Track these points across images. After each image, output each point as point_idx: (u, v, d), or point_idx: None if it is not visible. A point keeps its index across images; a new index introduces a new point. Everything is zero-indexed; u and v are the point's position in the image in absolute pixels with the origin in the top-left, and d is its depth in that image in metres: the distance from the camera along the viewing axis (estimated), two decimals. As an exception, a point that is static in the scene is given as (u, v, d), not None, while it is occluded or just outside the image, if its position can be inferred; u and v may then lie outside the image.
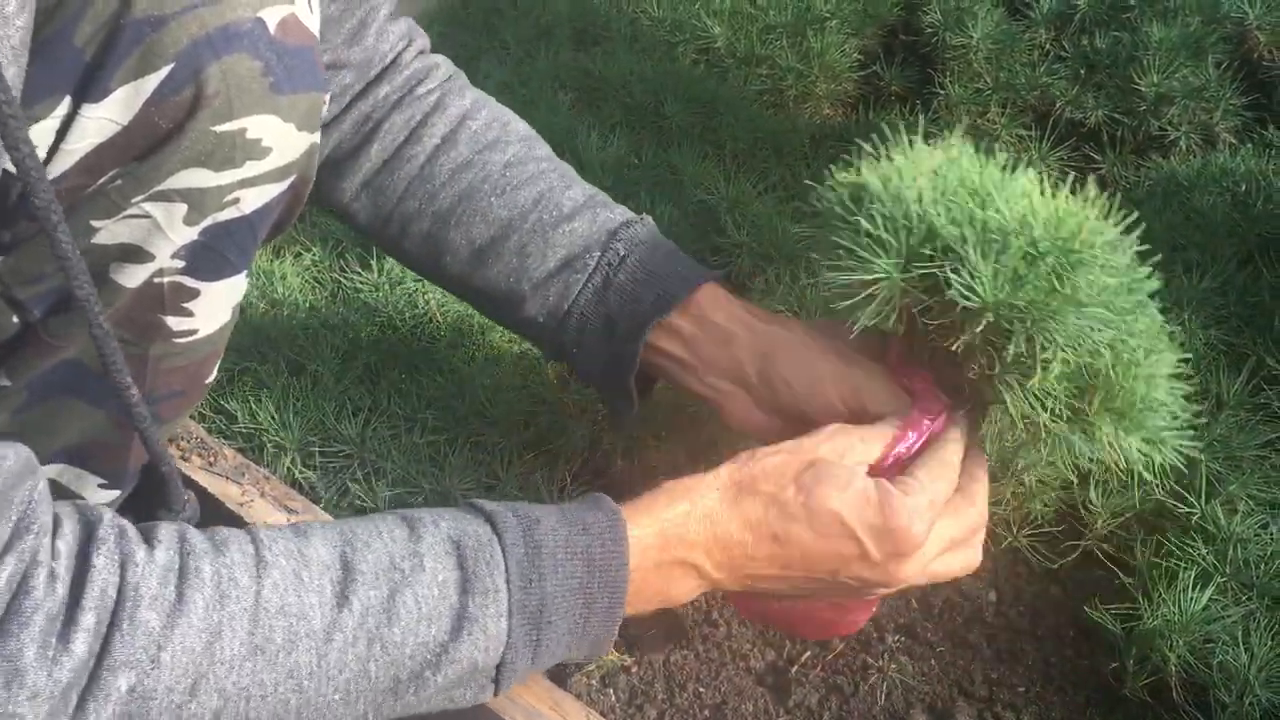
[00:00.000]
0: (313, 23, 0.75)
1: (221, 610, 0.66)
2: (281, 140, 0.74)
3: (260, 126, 0.72)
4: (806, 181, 0.83)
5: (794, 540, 0.76)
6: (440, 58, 1.04)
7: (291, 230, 1.49)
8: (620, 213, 0.97)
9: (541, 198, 0.95)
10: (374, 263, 1.38)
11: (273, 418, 1.18)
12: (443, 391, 1.24)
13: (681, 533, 0.76)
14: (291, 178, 0.79)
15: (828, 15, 1.80)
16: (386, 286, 1.35)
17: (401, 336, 1.30)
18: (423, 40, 1.03)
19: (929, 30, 1.80)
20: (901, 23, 1.87)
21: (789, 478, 0.76)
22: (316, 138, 0.79)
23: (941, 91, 1.74)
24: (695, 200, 1.52)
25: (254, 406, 1.20)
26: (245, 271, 0.82)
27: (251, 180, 0.75)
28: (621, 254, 0.93)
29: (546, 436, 1.20)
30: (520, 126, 1.02)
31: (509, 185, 0.96)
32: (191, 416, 1.18)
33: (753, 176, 1.59)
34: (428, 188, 0.97)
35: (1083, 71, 1.75)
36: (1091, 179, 0.87)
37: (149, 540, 0.68)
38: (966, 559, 0.81)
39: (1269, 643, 0.96)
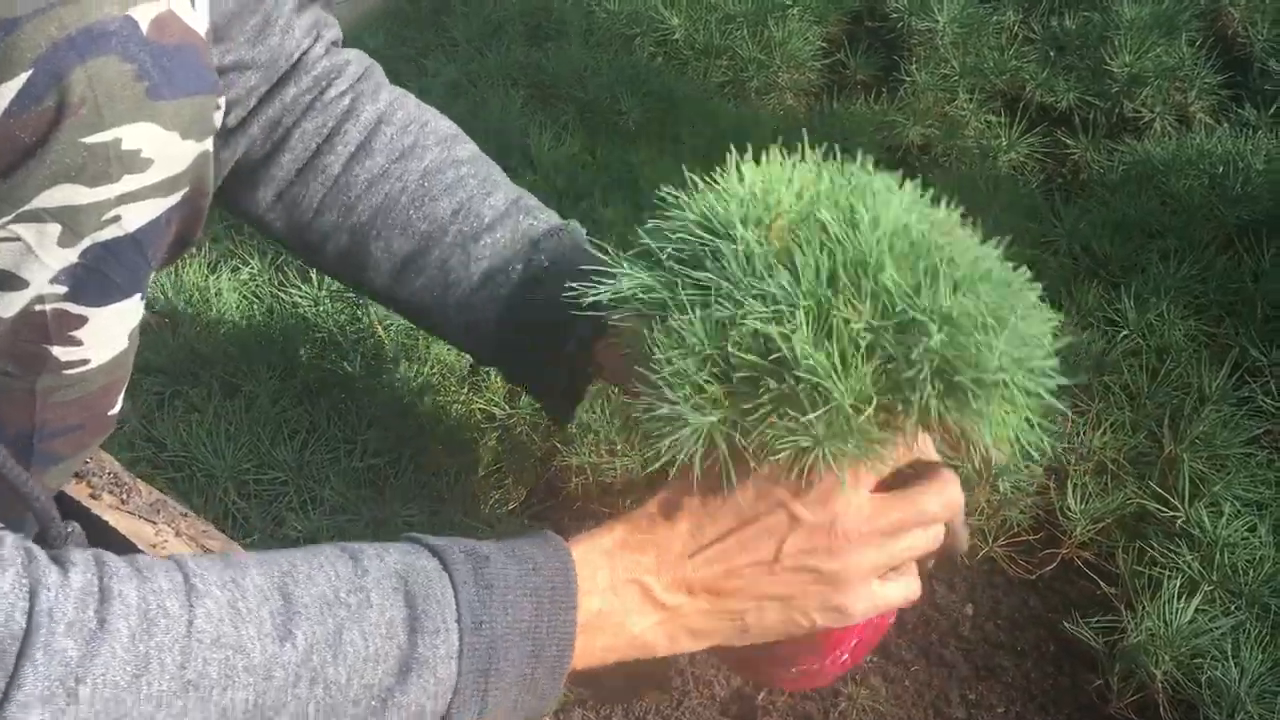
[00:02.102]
0: (195, 20, 0.69)
1: (149, 640, 0.59)
2: (164, 150, 0.68)
3: (137, 136, 0.66)
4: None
5: (724, 518, 0.72)
6: (353, 52, 0.97)
7: (229, 243, 1.42)
8: (545, 219, 0.92)
9: (461, 208, 0.91)
10: (314, 275, 1.32)
11: (204, 445, 1.11)
12: (385, 410, 1.17)
13: (623, 550, 0.72)
14: (182, 191, 0.72)
15: (789, 3, 1.74)
16: (327, 300, 1.28)
17: (343, 353, 1.24)
18: (332, 31, 0.96)
19: (894, 15, 1.74)
20: (866, 8, 1.81)
21: (718, 478, 0.72)
22: (207, 146, 0.72)
23: (908, 78, 1.68)
24: (653, 199, 1.46)
25: (184, 434, 1.13)
26: (139, 294, 0.75)
27: (132, 195, 0.68)
28: (545, 264, 0.88)
29: (497, 455, 1.14)
30: (440, 126, 0.96)
31: (427, 195, 0.91)
32: (112, 448, 1.11)
33: (713, 171, 1.53)
34: (344, 200, 0.92)
35: (1053, 53, 1.69)
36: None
37: (61, 564, 0.61)
38: (910, 584, 0.76)
39: (1260, 655, 0.90)
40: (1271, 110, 1.54)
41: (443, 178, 0.91)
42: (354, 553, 0.68)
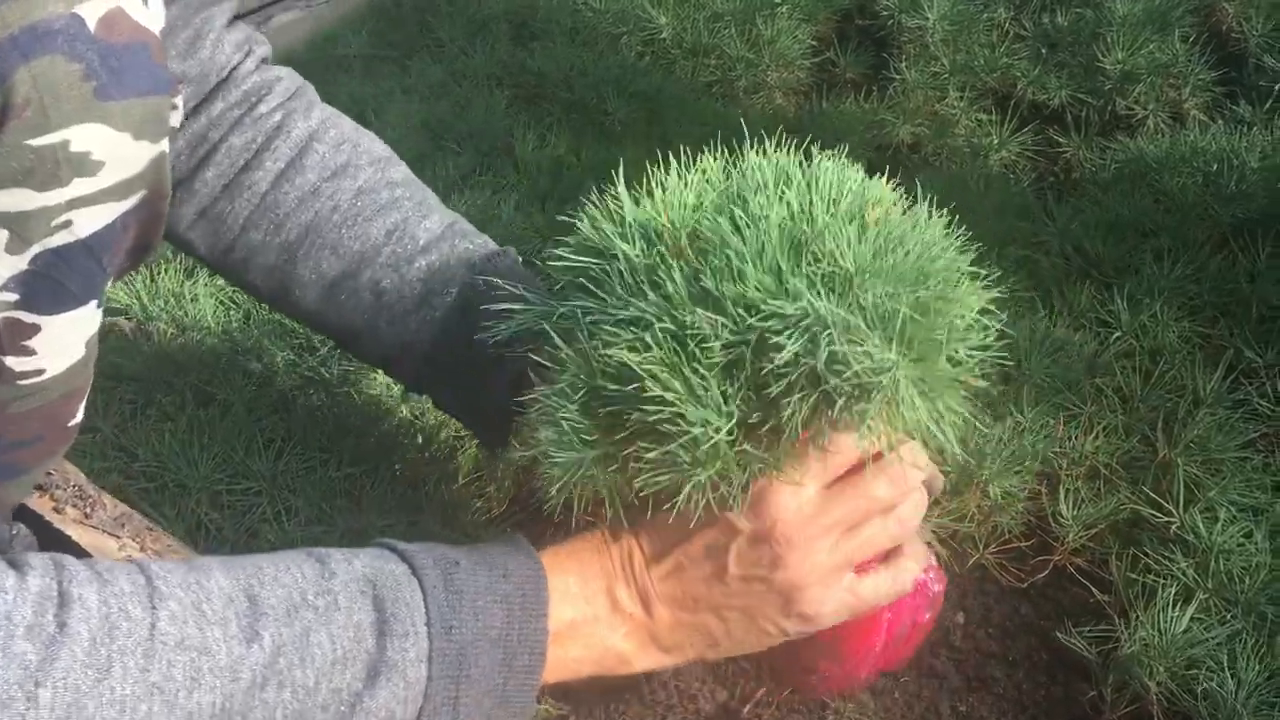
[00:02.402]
0: (147, 18, 0.66)
1: (111, 643, 0.58)
2: (115, 152, 0.65)
3: (86, 138, 0.63)
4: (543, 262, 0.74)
5: (670, 533, 0.71)
6: (284, 70, 0.94)
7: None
8: (481, 244, 0.90)
9: (396, 229, 0.88)
10: (292, 280, 1.29)
11: (177, 454, 1.09)
12: (363, 418, 1.15)
13: (594, 559, 0.72)
14: (137, 194, 0.70)
15: (778, 1, 1.71)
16: (305, 305, 1.26)
17: (320, 359, 1.21)
18: (263, 49, 0.94)
19: (884, 13, 1.72)
20: (856, 6, 1.79)
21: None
22: (162, 147, 0.70)
23: (898, 76, 1.66)
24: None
25: (157, 443, 1.10)
26: (95, 302, 0.73)
27: (84, 200, 0.66)
28: (481, 288, 0.85)
29: (477, 464, 1.12)
30: (374, 147, 0.93)
31: (360, 215, 0.88)
32: (83, 458, 1.09)
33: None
34: (272, 217, 0.89)
35: (1044, 50, 1.67)
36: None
37: (18, 567, 0.60)
38: (890, 578, 0.74)
39: (1257, 666, 0.88)
40: (1266, 106, 1.51)
41: (376, 198, 0.89)
42: (321, 557, 0.67)
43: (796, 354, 0.60)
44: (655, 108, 1.62)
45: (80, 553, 0.85)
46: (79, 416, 0.81)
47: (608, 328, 0.64)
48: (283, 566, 0.66)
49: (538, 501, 1.10)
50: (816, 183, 0.68)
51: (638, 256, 0.65)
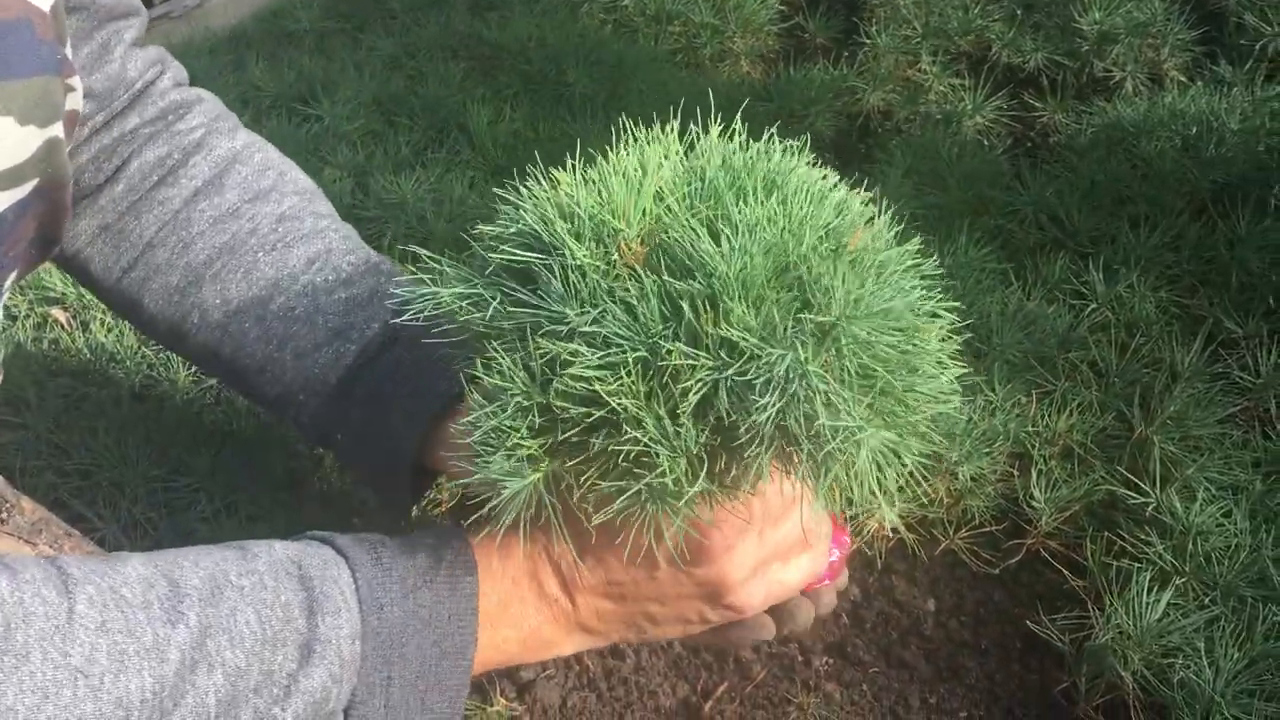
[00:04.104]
0: None
1: (27, 629, 0.54)
2: (1, 139, 0.60)
3: (-38, 123, 0.58)
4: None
5: (604, 537, 0.67)
6: (207, 93, 0.88)
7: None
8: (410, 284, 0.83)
9: (318, 258, 0.81)
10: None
11: (112, 451, 1.04)
12: (308, 408, 1.10)
13: (520, 544, 0.68)
14: (29, 183, 0.65)
15: (743, -36, 1.66)
16: (250, 291, 1.20)
17: (266, 347, 1.16)
18: (177, 71, 0.87)
19: (853, -25, 1.66)
20: (824, -31, 1.73)
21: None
22: (54, 132, 0.64)
23: (868, 41, 1.60)
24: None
25: (90, 440, 1.05)
26: (-9, 300, 0.68)
27: (-36, 190, 0.61)
28: (399, 329, 0.79)
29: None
30: (300, 178, 0.86)
31: (280, 241, 0.81)
32: (8, 456, 1.04)
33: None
34: (181, 235, 0.81)
35: (1019, 12, 1.61)
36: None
37: None
38: (805, 563, 0.71)
39: (1235, 653, 0.84)
40: (1247, 66, 1.47)
41: (300, 225, 0.81)
42: (241, 545, 0.65)
43: (772, 415, 0.55)
44: (617, 78, 1.56)
45: (-6, 562, 0.80)
46: (-14, 419, 0.76)
47: (559, 340, 0.57)
48: (202, 553, 0.63)
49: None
50: (798, 192, 0.60)
51: (590, 259, 0.58)
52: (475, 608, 0.66)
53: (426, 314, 0.63)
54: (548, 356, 0.57)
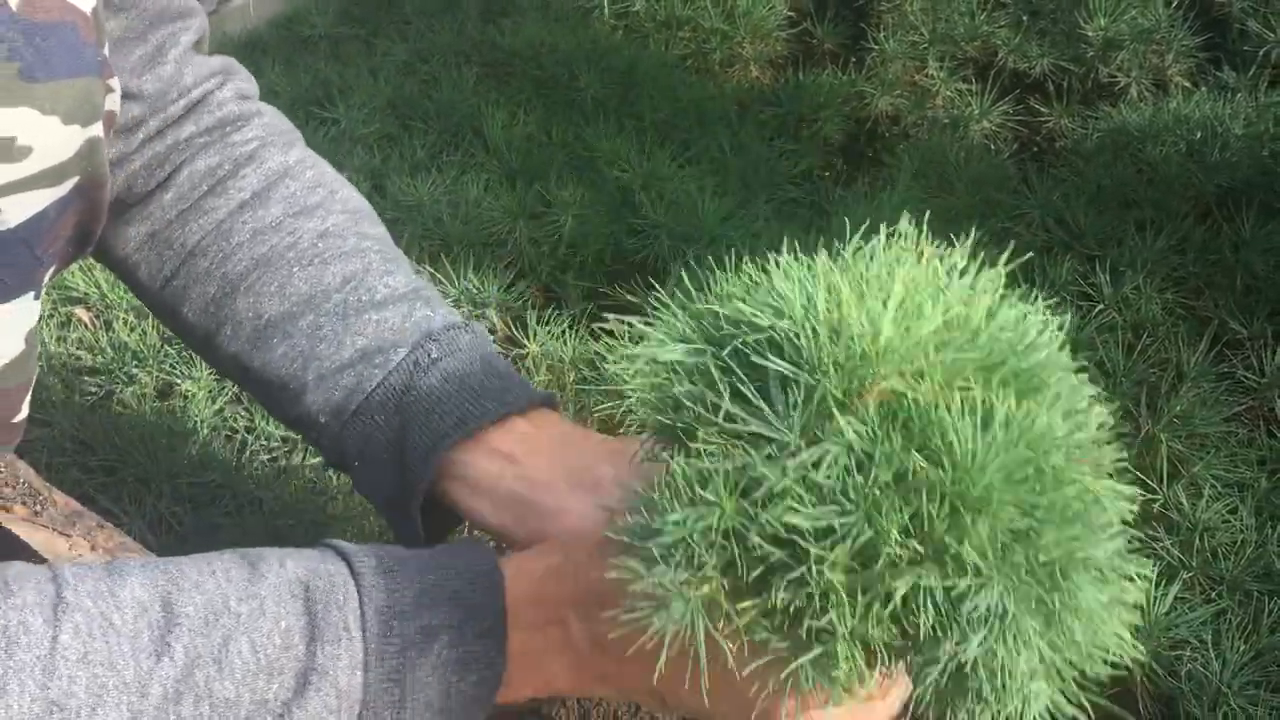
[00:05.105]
0: None
1: (9, 659, 0.54)
2: (44, 138, 0.62)
3: (11, 122, 0.60)
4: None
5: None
6: (269, 108, 0.87)
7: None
8: (444, 313, 0.80)
9: (354, 277, 0.79)
10: (256, 265, 1.26)
11: (138, 448, 1.06)
12: (329, 406, 1.12)
13: (554, 589, 0.64)
14: (70, 181, 0.66)
15: (752, -29, 1.68)
16: (270, 291, 1.22)
17: (286, 346, 1.18)
18: (244, 84, 0.86)
19: (861, -18, 1.68)
20: (832, -25, 1.75)
21: None
22: (95, 132, 0.66)
23: (876, 46, 1.62)
24: (610, 179, 1.40)
25: (116, 437, 1.07)
26: (33, 293, 0.70)
27: (11, 187, 0.62)
28: (433, 356, 0.76)
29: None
30: (352, 197, 0.85)
31: (318, 257, 0.79)
32: (34, 454, 1.06)
33: (673, 148, 1.47)
34: (223, 245, 0.80)
35: (1025, 18, 1.63)
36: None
37: None
38: None
39: (1242, 645, 0.86)
40: (1251, 72, 1.49)
41: (341, 243, 0.80)
42: (253, 559, 0.63)
43: (971, 654, 0.47)
44: (628, 83, 1.58)
45: (29, 552, 0.82)
46: (24, 413, 0.78)
47: (791, 476, 0.49)
48: (207, 571, 0.61)
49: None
50: (1056, 394, 0.51)
51: (836, 387, 0.49)
52: (503, 631, 0.63)
53: (639, 374, 0.56)
54: (758, 482, 0.49)
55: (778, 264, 0.54)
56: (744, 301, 0.53)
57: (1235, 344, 1.15)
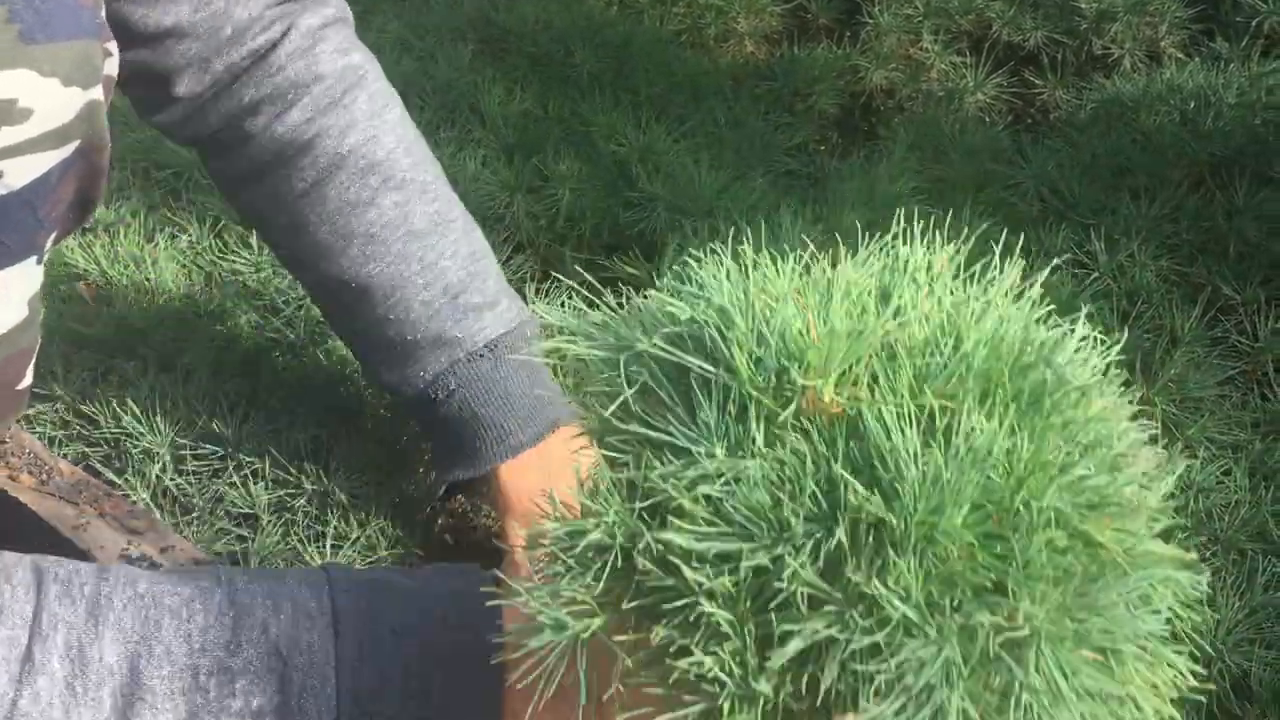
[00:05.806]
0: None
1: None
2: (44, 100, 0.62)
3: (12, 84, 0.60)
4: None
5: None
6: (360, 58, 1.01)
7: (166, 210, 1.36)
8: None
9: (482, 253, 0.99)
10: (254, 241, 1.26)
11: (139, 420, 1.06)
12: (330, 377, 1.12)
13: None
14: (72, 144, 0.67)
15: (746, -55, 1.68)
16: (269, 267, 1.23)
17: (286, 319, 1.18)
18: (329, 10, 0.99)
19: (855, -44, 1.68)
20: (827, -50, 1.75)
21: None
22: (95, 95, 0.67)
23: (870, 20, 1.62)
24: (607, 153, 1.41)
25: (118, 409, 1.08)
26: (35, 258, 0.70)
27: (13, 149, 0.63)
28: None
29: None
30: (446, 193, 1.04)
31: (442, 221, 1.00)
32: (42, 426, 1.06)
33: (669, 122, 1.48)
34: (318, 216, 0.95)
35: (1019, -9, 1.64)
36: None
37: None
38: None
39: (1236, 603, 0.87)
40: (1243, 43, 1.49)
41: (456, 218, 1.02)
42: (240, 610, 0.61)
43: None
44: (623, 58, 1.58)
45: (35, 521, 0.83)
46: (28, 379, 0.78)
47: (675, 478, 0.42)
48: (182, 634, 0.59)
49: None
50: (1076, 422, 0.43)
51: (770, 400, 0.42)
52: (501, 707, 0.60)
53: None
54: (654, 496, 0.43)
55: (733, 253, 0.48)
56: (670, 292, 0.47)
57: (1229, 309, 1.15)
